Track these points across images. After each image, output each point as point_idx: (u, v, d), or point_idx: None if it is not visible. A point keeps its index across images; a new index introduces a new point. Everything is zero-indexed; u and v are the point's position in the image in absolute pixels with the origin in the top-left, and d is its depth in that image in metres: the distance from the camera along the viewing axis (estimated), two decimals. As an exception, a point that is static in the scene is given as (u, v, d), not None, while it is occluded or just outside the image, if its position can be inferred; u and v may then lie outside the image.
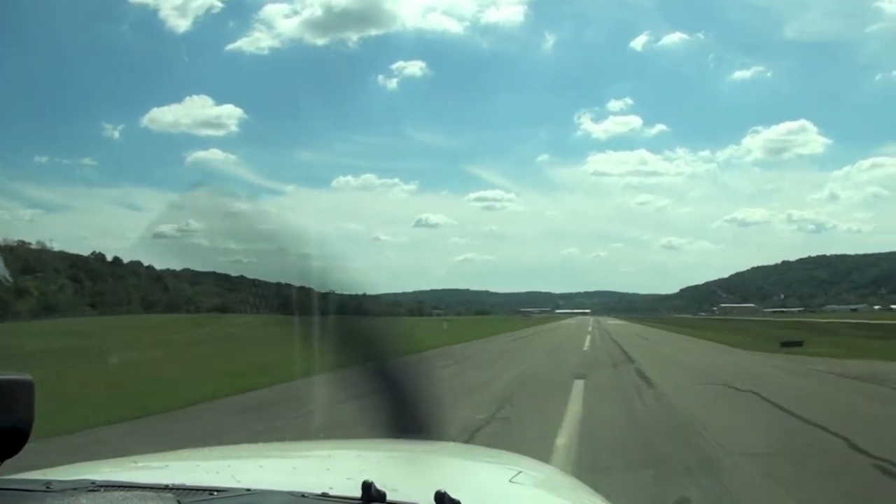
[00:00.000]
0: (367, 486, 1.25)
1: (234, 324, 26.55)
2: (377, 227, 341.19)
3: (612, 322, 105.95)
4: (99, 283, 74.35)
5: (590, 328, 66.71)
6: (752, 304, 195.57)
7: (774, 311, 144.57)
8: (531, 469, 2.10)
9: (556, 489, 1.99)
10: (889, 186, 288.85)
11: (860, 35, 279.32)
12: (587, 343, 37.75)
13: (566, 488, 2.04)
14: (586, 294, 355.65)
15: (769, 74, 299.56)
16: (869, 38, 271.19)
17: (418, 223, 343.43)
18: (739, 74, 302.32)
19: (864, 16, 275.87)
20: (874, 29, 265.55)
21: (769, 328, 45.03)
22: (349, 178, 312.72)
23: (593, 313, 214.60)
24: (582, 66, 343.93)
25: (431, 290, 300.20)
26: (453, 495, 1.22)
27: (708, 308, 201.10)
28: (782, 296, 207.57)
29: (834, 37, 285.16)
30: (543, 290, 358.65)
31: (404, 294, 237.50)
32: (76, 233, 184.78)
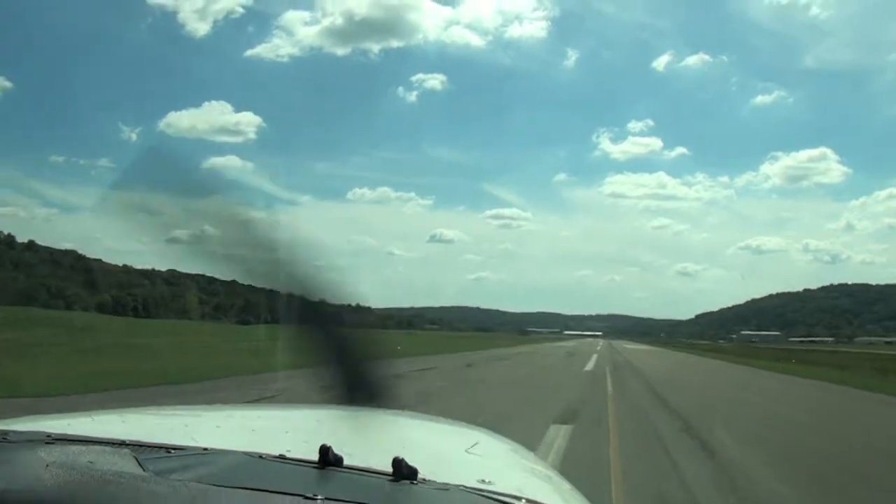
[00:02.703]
0: (324, 450, 1.27)
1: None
2: (391, 242, 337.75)
3: (631, 347, 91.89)
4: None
5: (588, 364, 38.30)
6: (776, 332, 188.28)
7: (802, 341, 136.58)
8: (488, 441, 2.15)
9: (512, 461, 2.01)
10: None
11: (882, 63, 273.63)
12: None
13: (522, 461, 2.06)
14: (598, 317, 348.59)
15: (791, 100, 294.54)
16: (890, 67, 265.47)
17: (433, 238, 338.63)
18: (761, 99, 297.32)
19: (886, 45, 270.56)
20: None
21: (861, 361, 38.15)
22: (365, 190, 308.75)
23: (605, 336, 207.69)
24: (603, 85, 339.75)
25: (441, 307, 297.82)
26: (410, 462, 1.25)
27: (724, 335, 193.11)
28: (810, 325, 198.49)
29: (856, 65, 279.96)
30: (554, 310, 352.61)
31: (413, 309, 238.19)
32: (90, 234, 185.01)
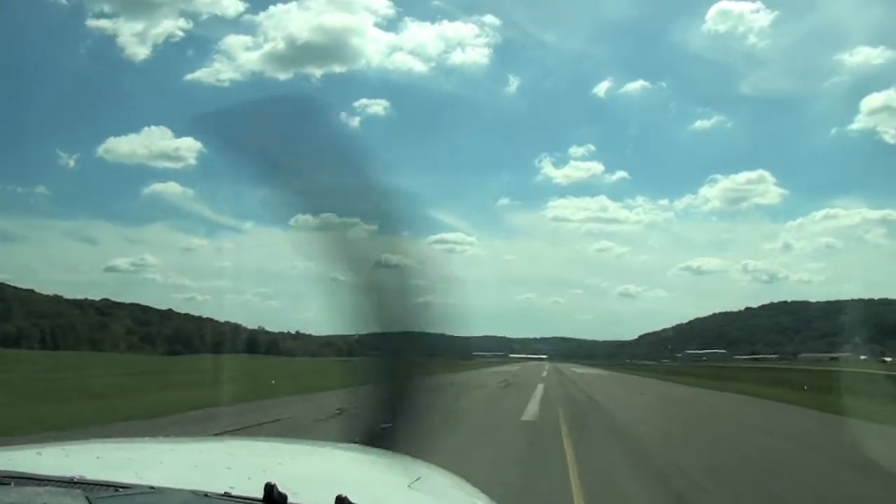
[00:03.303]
0: (269, 488, 1.28)
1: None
2: (335, 268, 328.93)
3: (581, 372, 79.73)
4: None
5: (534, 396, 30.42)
6: (722, 351, 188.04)
7: (747, 359, 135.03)
8: (431, 476, 2.16)
9: (453, 496, 2.03)
10: (841, 237, 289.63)
11: (816, 90, 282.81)
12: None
13: (464, 495, 2.05)
14: (544, 340, 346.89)
15: (729, 125, 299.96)
16: (826, 93, 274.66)
17: (378, 264, 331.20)
18: (700, 124, 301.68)
19: (820, 73, 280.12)
20: (833, 82, 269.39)
21: (813, 379, 33.04)
22: (308, 216, 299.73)
23: (550, 359, 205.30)
24: (544, 111, 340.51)
25: (386, 333, 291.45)
26: (353, 499, 1.26)
27: (669, 355, 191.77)
28: (752, 343, 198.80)
29: (792, 92, 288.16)
30: (500, 334, 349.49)
31: (352, 336, 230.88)
32: (27, 264, 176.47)
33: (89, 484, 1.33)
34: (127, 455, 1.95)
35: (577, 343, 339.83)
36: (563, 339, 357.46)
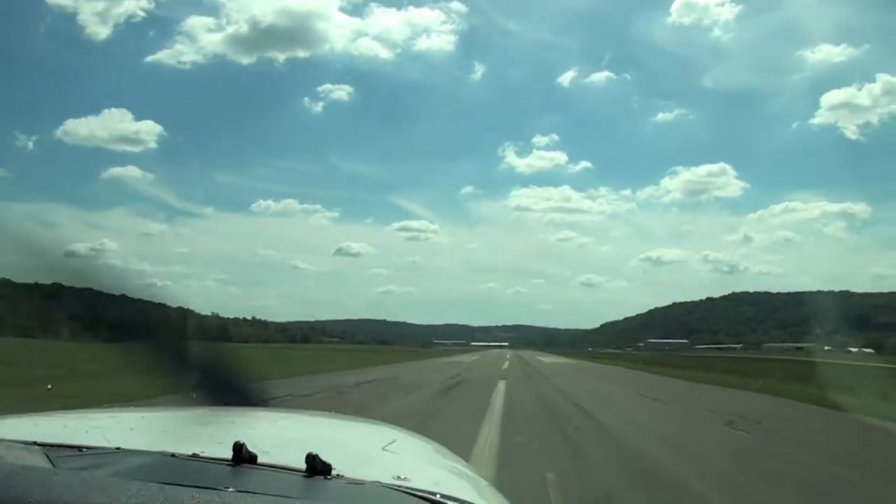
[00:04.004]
0: (237, 447, 1.28)
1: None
2: (296, 255, 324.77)
3: (549, 361, 70.82)
4: None
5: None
6: (683, 341, 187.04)
7: (710, 348, 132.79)
8: (405, 439, 2.16)
9: (429, 459, 2.03)
10: (799, 231, 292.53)
11: (778, 85, 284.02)
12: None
13: (440, 458, 2.07)
14: (505, 328, 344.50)
15: (691, 118, 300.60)
16: (790, 87, 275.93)
17: (339, 251, 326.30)
18: (663, 116, 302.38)
19: (782, 68, 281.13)
20: (795, 78, 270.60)
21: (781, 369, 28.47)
22: (269, 202, 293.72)
23: (512, 347, 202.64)
24: (509, 99, 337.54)
25: (347, 320, 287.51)
26: (325, 459, 1.27)
27: (631, 343, 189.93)
28: (713, 332, 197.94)
29: (754, 86, 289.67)
30: (462, 322, 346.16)
31: (319, 322, 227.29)
32: None
33: (52, 446, 1.32)
34: (96, 423, 1.91)
35: (539, 331, 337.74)
36: (524, 327, 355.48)
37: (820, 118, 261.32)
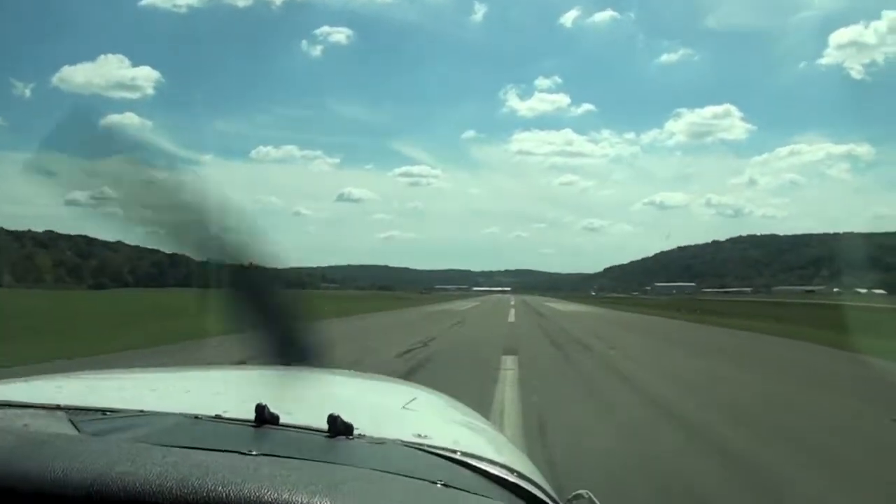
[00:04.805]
0: (260, 409, 1.28)
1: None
2: (298, 201, 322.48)
3: (563, 309, 53.98)
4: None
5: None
6: (691, 284, 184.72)
7: (717, 292, 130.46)
8: (425, 397, 2.17)
9: (448, 416, 2.03)
10: (806, 173, 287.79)
11: (783, 25, 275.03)
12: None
13: (459, 415, 2.06)
14: (507, 273, 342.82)
15: (696, 58, 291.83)
16: (796, 27, 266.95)
17: (341, 197, 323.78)
18: (667, 57, 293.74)
19: (787, 8, 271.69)
20: (802, 17, 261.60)
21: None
22: (270, 148, 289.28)
23: (513, 291, 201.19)
24: (510, 41, 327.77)
25: (349, 266, 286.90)
26: (346, 419, 1.27)
27: (637, 287, 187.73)
28: (720, 276, 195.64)
29: (759, 27, 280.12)
30: (463, 267, 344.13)
31: (321, 268, 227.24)
32: None
33: (75, 409, 1.31)
34: (118, 384, 1.96)
35: (541, 276, 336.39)
36: (526, 271, 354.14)
37: (827, 58, 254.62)
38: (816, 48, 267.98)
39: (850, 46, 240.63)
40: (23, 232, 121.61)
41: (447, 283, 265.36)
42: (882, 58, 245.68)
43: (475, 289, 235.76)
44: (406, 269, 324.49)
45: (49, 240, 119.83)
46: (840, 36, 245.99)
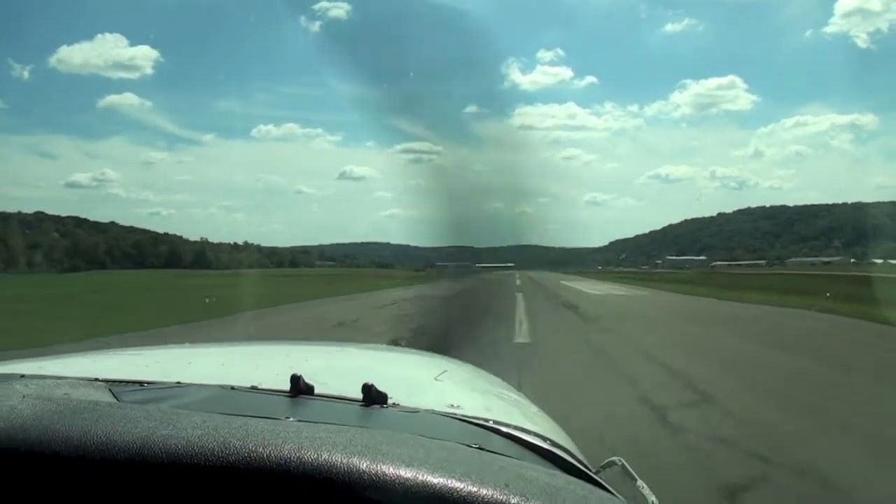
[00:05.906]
0: (295, 379, 1.32)
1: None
2: (300, 180, 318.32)
3: (592, 293, 41.08)
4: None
5: None
6: (702, 258, 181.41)
7: (732, 265, 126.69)
8: (457, 369, 2.21)
9: (480, 387, 2.04)
10: (811, 145, 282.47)
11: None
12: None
13: (490, 386, 2.07)
14: (511, 248, 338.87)
15: (700, 28, 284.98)
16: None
17: (343, 175, 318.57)
18: (671, 27, 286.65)
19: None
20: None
21: None
22: (270, 127, 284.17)
23: (517, 267, 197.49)
24: (511, 13, 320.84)
25: (351, 244, 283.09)
26: (380, 389, 1.30)
27: (646, 261, 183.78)
28: (729, 248, 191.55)
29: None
30: (467, 244, 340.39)
31: (323, 246, 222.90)
32: None
33: (114, 381, 1.34)
34: (154, 359, 1.99)
35: (546, 251, 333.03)
36: (531, 247, 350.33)
37: (833, 27, 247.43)
38: (822, 17, 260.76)
39: (856, 14, 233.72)
40: (12, 213, 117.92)
41: (450, 261, 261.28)
42: (887, 25, 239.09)
43: (478, 265, 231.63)
44: (408, 247, 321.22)
45: (36, 221, 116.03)
46: (846, 3, 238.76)
